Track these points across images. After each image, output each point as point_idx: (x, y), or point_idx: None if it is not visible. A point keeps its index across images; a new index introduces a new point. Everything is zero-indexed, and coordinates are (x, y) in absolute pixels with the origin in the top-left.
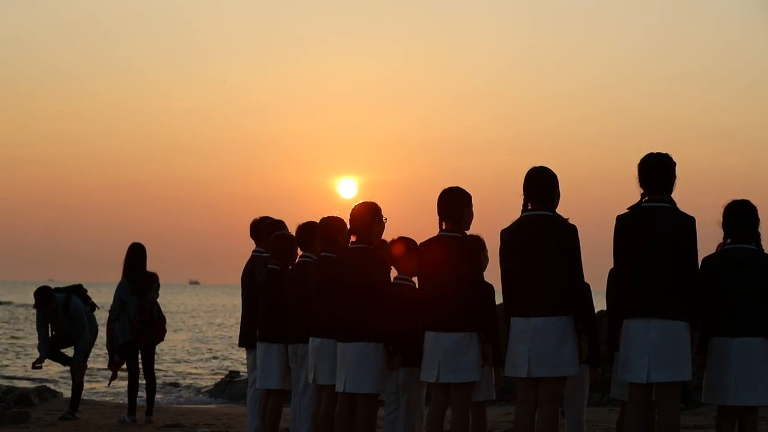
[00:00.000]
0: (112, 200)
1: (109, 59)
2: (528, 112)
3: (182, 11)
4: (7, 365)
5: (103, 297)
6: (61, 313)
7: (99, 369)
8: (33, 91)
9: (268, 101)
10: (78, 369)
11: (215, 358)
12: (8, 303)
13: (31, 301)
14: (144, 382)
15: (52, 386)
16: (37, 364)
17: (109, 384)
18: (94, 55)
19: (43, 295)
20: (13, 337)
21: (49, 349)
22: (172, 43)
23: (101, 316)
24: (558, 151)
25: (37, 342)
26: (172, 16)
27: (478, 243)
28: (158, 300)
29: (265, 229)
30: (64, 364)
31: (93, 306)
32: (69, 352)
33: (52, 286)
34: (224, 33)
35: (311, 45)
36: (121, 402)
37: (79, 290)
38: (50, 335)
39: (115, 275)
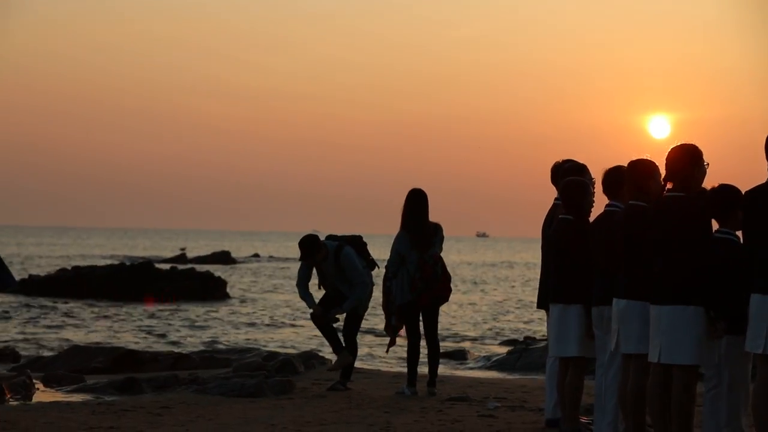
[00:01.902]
0: (389, 139)
1: None
2: None
3: None
4: (267, 325)
5: (378, 251)
6: (330, 262)
7: (376, 333)
8: (320, 27)
9: (565, 26)
10: (341, 356)
11: (509, 321)
12: (271, 258)
13: (293, 254)
14: (426, 348)
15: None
16: (316, 314)
17: (387, 350)
18: None
19: (308, 244)
20: (266, 291)
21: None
22: None
23: (378, 273)
24: None
25: (300, 296)
26: None
27: None
28: (442, 254)
29: (565, 173)
30: (331, 342)
31: (372, 263)
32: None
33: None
34: None
35: None
36: (399, 371)
37: (356, 242)
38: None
39: (393, 226)
